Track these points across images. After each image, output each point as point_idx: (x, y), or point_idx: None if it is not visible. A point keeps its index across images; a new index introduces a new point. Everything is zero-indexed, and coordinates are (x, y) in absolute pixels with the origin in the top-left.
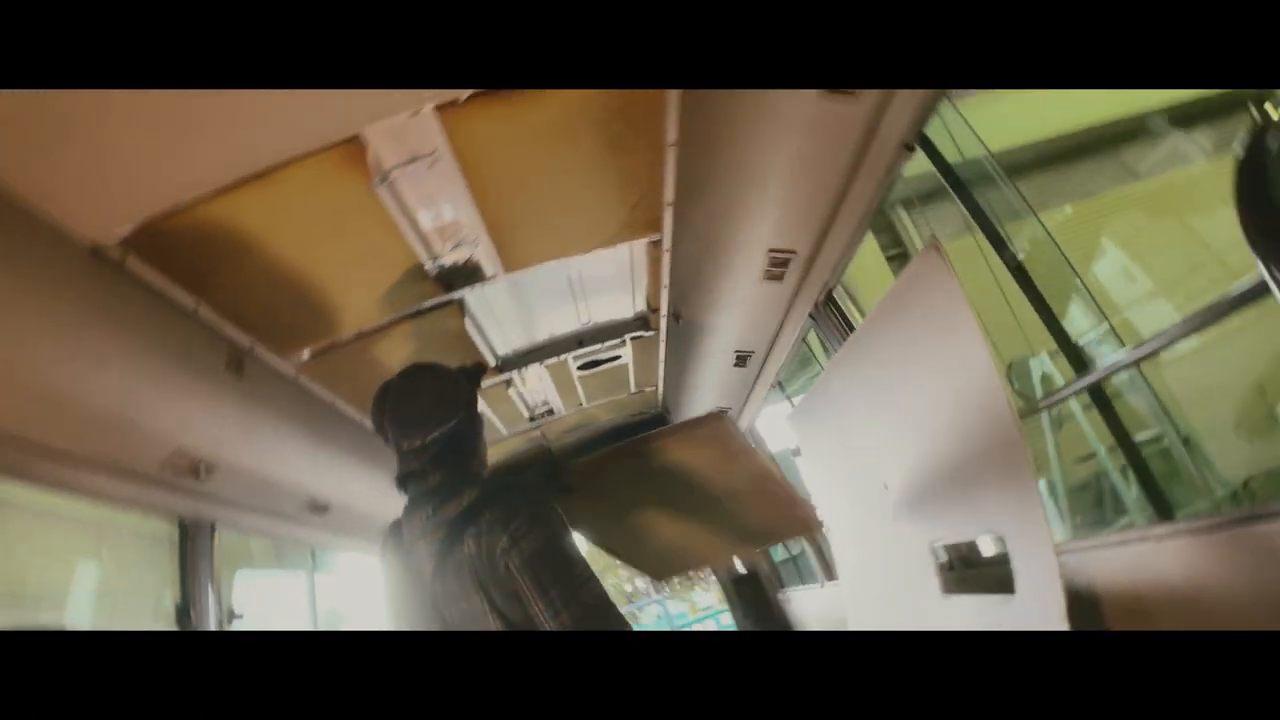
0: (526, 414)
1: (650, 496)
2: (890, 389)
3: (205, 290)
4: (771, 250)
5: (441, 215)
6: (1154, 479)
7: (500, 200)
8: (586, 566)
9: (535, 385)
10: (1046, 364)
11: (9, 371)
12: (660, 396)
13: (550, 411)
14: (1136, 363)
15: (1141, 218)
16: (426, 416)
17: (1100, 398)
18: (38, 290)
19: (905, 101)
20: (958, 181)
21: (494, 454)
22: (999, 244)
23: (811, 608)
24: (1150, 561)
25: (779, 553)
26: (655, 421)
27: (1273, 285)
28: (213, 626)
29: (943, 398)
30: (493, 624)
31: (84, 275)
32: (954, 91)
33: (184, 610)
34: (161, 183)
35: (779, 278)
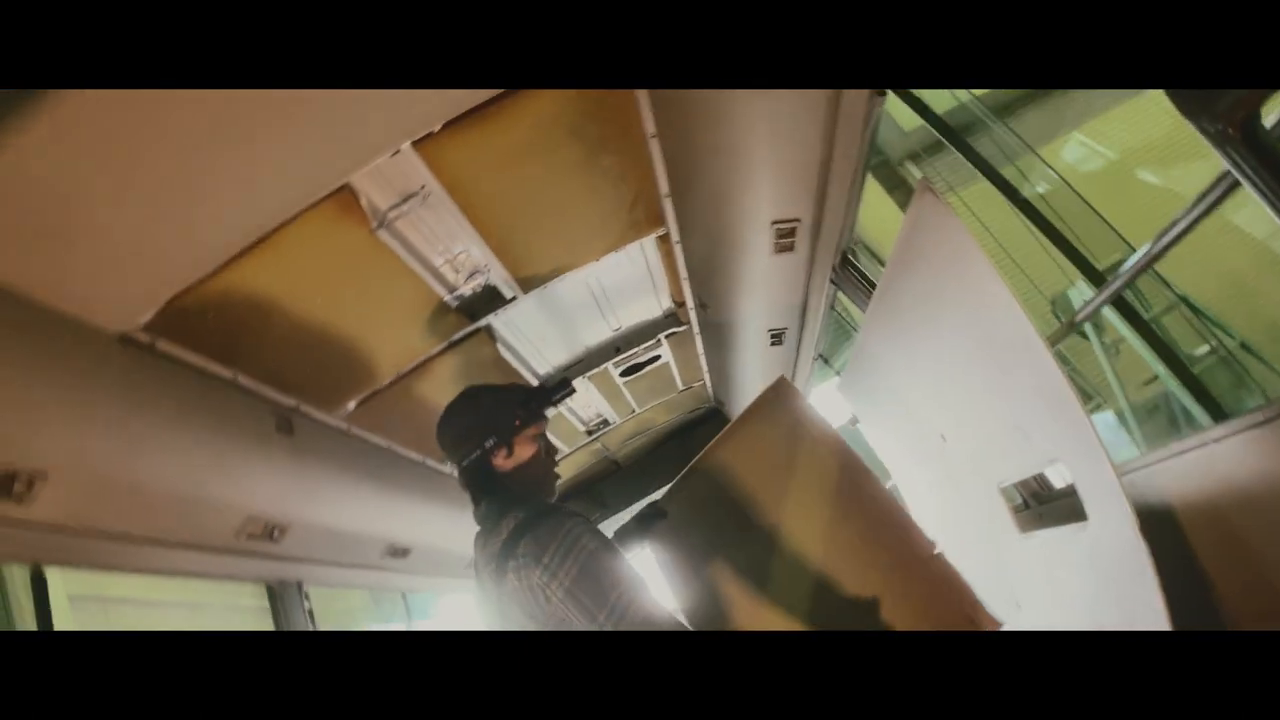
0: (582, 428)
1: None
2: (922, 339)
3: (239, 359)
4: (775, 222)
5: (448, 248)
6: (1202, 385)
7: (499, 223)
8: (629, 584)
9: (583, 398)
10: (1086, 292)
11: (70, 468)
12: (710, 389)
13: (605, 422)
14: (1150, 262)
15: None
16: (459, 440)
17: (1127, 310)
18: (74, 385)
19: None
20: (941, 123)
21: (561, 471)
22: (1000, 183)
23: None
24: (1214, 464)
25: None
26: (712, 415)
27: None
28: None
29: (971, 337)
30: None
31: (118, 365)
32: None
33: None
34: (172, 264)
35: (790, 248)
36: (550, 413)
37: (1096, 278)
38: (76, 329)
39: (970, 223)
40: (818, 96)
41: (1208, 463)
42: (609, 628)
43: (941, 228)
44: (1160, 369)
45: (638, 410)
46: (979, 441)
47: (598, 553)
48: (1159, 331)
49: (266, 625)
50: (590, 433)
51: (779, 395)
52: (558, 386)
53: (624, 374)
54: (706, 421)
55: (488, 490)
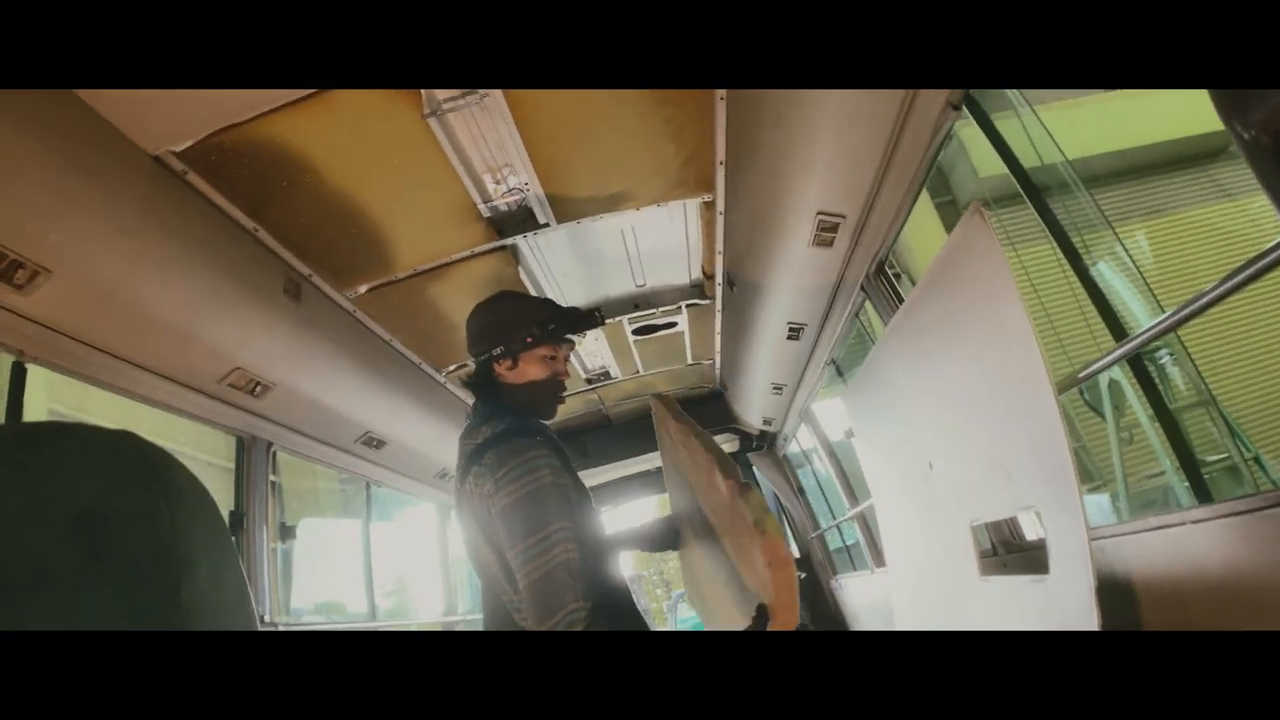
0: (584, 375)
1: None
2: (935, 362)
3: (264, 214)
4: (820, 213)
5: (493, 157)
6: (1196, 464)
7: (550, 145)
8: (563, 529)
9: (591, 346)
10: (1114, 371)
11: (76, 271)
12: (718, 370)
13: (607, 375)
14: (1175, 326)
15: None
16: (474, 338)
17: (1142, 372)
18: (99, 194)
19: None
20: (1015, 161)
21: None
22: (1061, 239)
23: (861, 596)
24: (1188, 545)
25: (834, 540)
26: (714, 397)
27: None
28: (265, 538)
29: (984, 369)
30: (486, 555)
31: (146, 186)
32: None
33: (237, 516)
34: (221, 98)
35: (829, 244)
36: (573, 338)
37: (1119, 334)
38: (114, 140)
39: (1020, 282)
40: (892, 96)
41: (1182, 542)
42: (521, 559)
43: (983, 253)
44: (1169, 465)
45: (642, 372)
46: (963, 474)
47: (545, 489)
48: (1172, 409)
49: (226, 484)
50: (590, 382)
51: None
52: (585, 316)
53: (637, 332)
54: (707, 401)
55: (485, 394)
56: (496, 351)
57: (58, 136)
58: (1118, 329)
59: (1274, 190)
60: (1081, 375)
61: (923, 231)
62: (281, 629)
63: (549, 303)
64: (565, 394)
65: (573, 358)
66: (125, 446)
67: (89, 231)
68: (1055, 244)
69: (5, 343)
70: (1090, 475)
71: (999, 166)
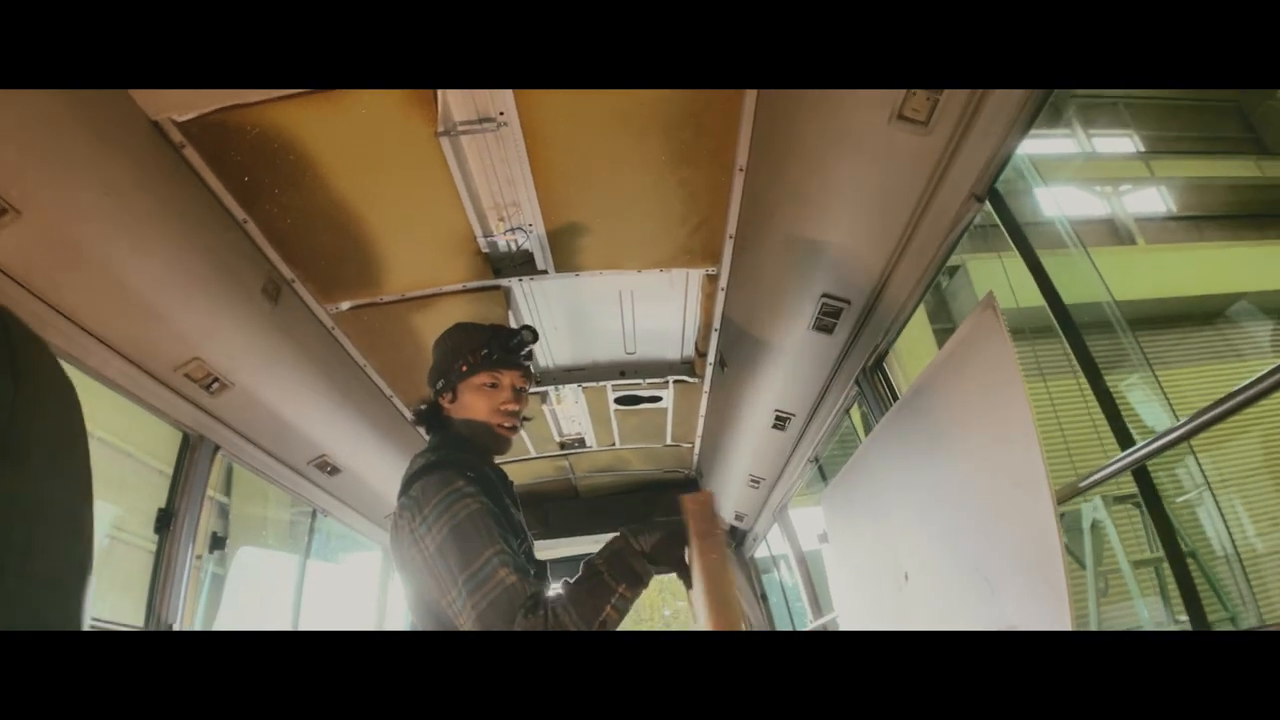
0: (558, 439)
1: None
2: (926, 461)
3: (257, 206)
4: (825, 296)
5: (500, 191)
6: (1194, 586)
7: (559, 187)
8: (498, 554)
9: (570, 409)
10: (1098, 510)
11: (48, 220)
12: (696, 456)
13: (582, 442)
14: (1188, 437)
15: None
16: (429, 374)
17: (1147, 488)
18: (89, 148)
19: (978, 146)
20: (1025, 244)
21: (518, 473)
22: (1073, 339)
23: None
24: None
25: None
26: (688, 484)
27: None
28: (193, 543)
29: (978, 469)
30: (411, 589)
31: (140, 151)
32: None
33: (166, 515)
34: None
35: (829, 330)
36: (520, 364)
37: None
38: (116, 96)
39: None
40: (915, 180)
41: None
42: (460, 604)
43: (991, 345)
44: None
45: (618, 445)
46: (941, 586)
47: (473, 517)
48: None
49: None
50: (564, 447)
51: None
52: (516, 333)
53: (619, 401)
54: (680, 487)
55: (431, 429)
56: (439, 385)
57: None
58: (1125, 437)
59: None
60: (1083, 485)
61: (917, 356)
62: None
63: (489, 328)
64: (512, 426)
65: (549, 419)
66: None
67: (70, 180)
68: (1073, 358)
69: None
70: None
71: (1005, 300)
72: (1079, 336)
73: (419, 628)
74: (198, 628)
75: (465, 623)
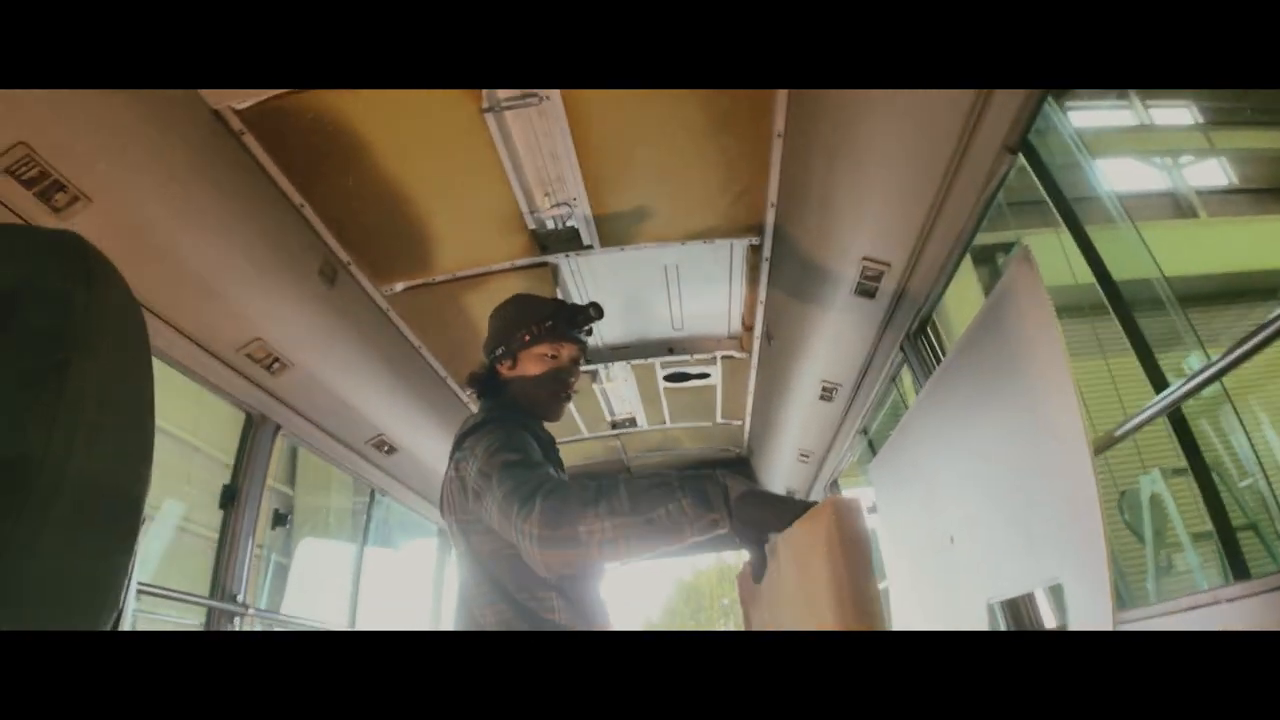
0: (609, 418)
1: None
2: (968, 421)
3: (313, 191)
4: (865, 259)
5: (545, 166)
6: (1234, 536)
7: (602, 160)
8: (544, 467)
9: (621, 388)
10: (1157, 482)
11: (117, 206)
12: (746, 433)
13: (633, 422)
14: (1219, 375)
15: None
16: (487, 341)
17: (1181, 428)
18: (156, 137)
19: (1007, 97)
20: (1059, 195)
21: (570, 454)
22: (1100, 272)
23: None
24: (1222, 626)
25: None
26: (738, 462)
27: None
28: (259, 518)
29: (1018, 426)
30: (462, 545)
31: (202, 139)
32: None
33: (231, 490)
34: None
35: (871, 293)
36: (579, 338)
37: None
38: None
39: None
40: (948, 135)
41: (1214, 623)
42: (490, 473)
43: (1028, 304)
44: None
45: (669, 424)
46: (984, 547)
47: (527, 444)
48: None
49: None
50: (615, 426)
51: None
52: (583, 310)
53: (669, 379)
54: (732, 465)
55: (486, 394)
56: (499, 352)
57: None
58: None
59: None
60: (1119, 433)
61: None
62: (251, 614)
63: (554, 301)
64: (567, 396)
65: (600, 398)
66: (62, 239)
67: (137, 168)
68: (1109, 304)
69: None
70: (1123, 602)
71: (1056, 278)
72: (1112, 284)
73: (468, 586)
74: (262, 604)
75: (493, 511)
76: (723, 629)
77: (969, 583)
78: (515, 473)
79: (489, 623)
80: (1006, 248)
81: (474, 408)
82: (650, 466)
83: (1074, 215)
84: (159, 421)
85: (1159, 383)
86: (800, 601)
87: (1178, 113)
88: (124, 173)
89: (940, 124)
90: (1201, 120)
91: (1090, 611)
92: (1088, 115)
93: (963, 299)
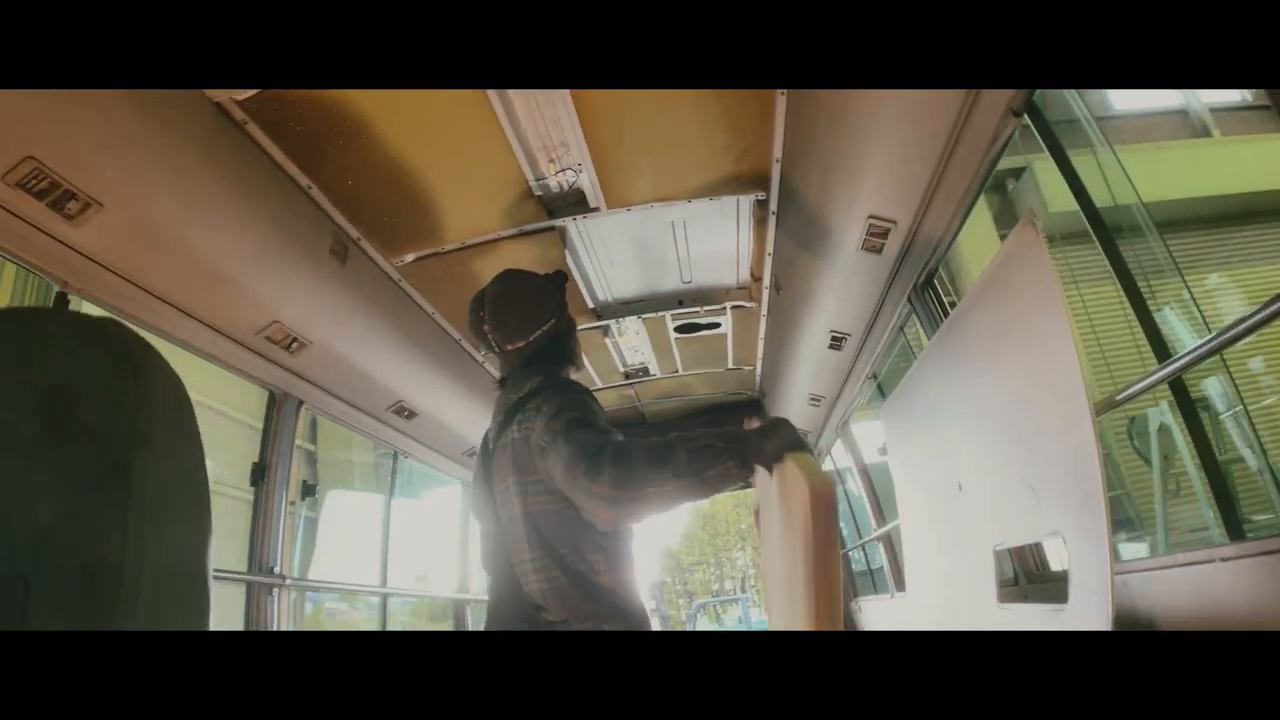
0: (621, 369)
1: None
2: (976, 377)
3: (319, 172)
4: (872, 217)
5: (549, 134)
6: (1231, 498)
7: (605, 125)
8: (587, 405)
9: (632, 340)
10: (1165, 415)
11: (128, 209)
12: (758, 377)
13: (646, 371)
14: (1219, 349)
15: None
16: (527, 318)
17: (1184, 397)
18: (158, 135)
19: None
20: (1067, 163)
21: None
22: (1116, 262)
23: (879, 620)
24: (1215, 584)
25: (859, 562)
26: (752, 405)
27: None
28: (286, 492)
29: (1023, 384)
30: (517, 508)
31: (206, 132)
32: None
33: (260, 468)
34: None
35: (878, 250)
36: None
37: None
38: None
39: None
40: (952, 99)
41: (1209, 580)
42: (541, 432)
43: (1032, 267)
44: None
45: (681, 371)
46: (991, 496)
47: (577, 398)
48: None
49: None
50: (628, 376)
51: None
52: (560, 275)
53: (679, 330)
54: (745, 408)
55: (545, 361)
56: (551, 323)
57: None
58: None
59: None
60: (1119, 398)
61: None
62: (289, 584)
63: (560, 274)
64: None
65: (612, 351)
66: (105, 330)
67: (144, 169)
68: (1116, 281)
69: (51, 272)
70: (1133, 525)
71: (1070, 203)
72: (1115, 248)
73: (516, 552)
74: (295, 571)
75: (557, 467)
76: (739, 555)
77: (976, 529)
78: (582, 433)
79: (534, 589)
80: (1017, 173)
81: (490, 368)
82: (665, 413)
83: (1080, 184)
84: (203, 398)
85: (1160, 350)
86: (783, 542)
87: None
88: (132, 174)
89: (944, 91)
90: None
91: (1089, 564)
92: None
93: (969, 234)
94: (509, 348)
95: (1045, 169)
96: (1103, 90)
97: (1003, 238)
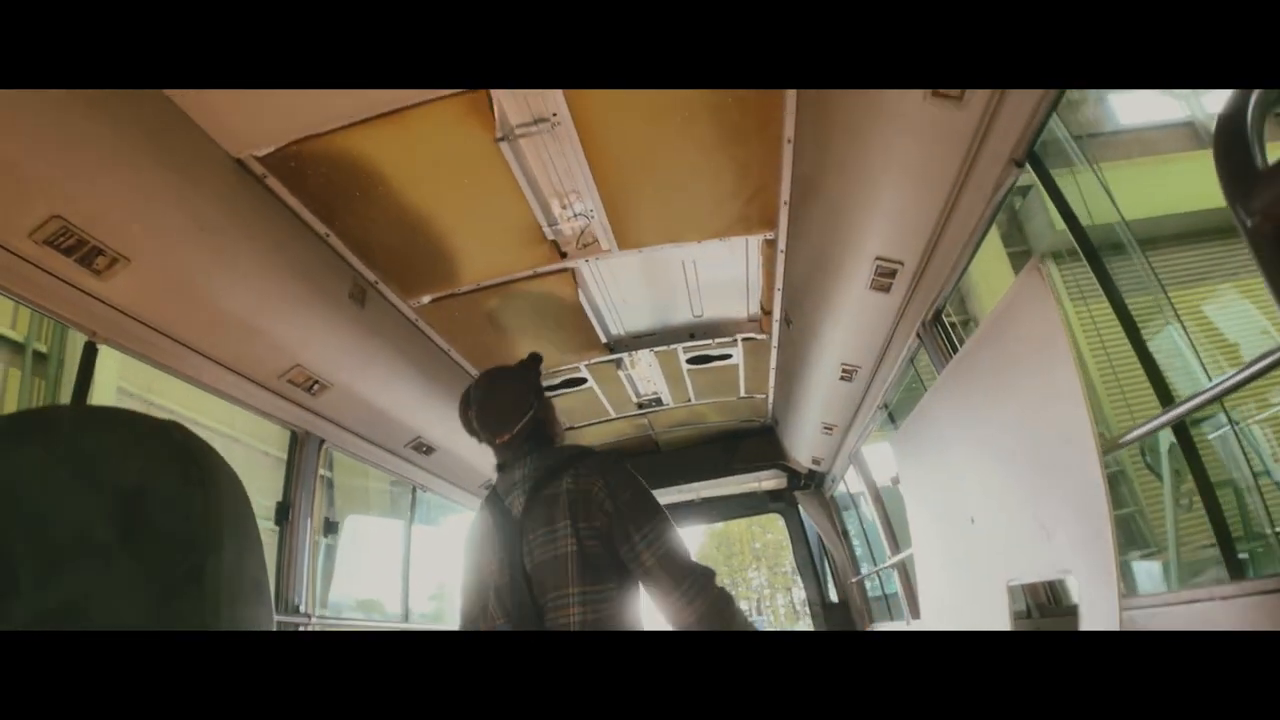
0: (635, 399)
1: None
2: (984, 414)
3: (337, 221)
4: (879, 258)
5: (560, 182)
6: (1229, 536)
7: (616, 175)
8: (666, 520)
9: (645, 371)
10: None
11: (154, 263)
12: (770, 406)
13: (658, 401)
14: (1220, 397)
15: None
16: (509, 413)
17: (1185, 439)
18: (182, 190)
19: (1013, 113)
20: (1075, 220)
21: (600, 434)
22: (1113, 296)
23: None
24: (1214, 621)
25: (874, 588)
26: (764, 432)
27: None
28: (309, 531)
29: (1032, 425)
30: (569, 547)
31: (227, 187)
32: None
33: (284, 507)
34: (303, 111)
35: (886, 289)
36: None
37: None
38: (200, 141)
39: (1090, 336)
40: (955, 150)
41: (1209, 618)
42: (649, 540)
43: (1038, 309)
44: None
45: (693, 401)
46: (1003, 531)
47: (648, 491)
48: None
49: (280, 475)
50: (641, 406)
51: None
52: (534, 358)
53: (691, 361)
54: (757, 435)
55: (534, 443)
56: (539, 404)
57: (147, 135)
58: (1165, 396)
59: (1274, 281)
60: (1124, 440)
61: (993, 279)
62: (314, 622)
63: (535, 357)
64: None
65: (625, 382)
66: (171, 435)
67: (169, 224)
68: (1111, 307)
69: (80, 323)
70: (1146, 540)
71: (1080, 216)
72: (1122, 304)
73: (516, 581)
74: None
75: (653, 553)
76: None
77: (989, 563)
78: (682, 549)
79: (574, 619)
80: (1024, 191)
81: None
82: (678, 440)
83: (1083, 232)
84: (230, 431)
85: (1164, 395)
86: None
87: None
88: (157, 230)
89: (947, 142)
90: None
91: (1098, 603)
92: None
93: (984, 257)
94: (498, 441)
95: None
96: (1112, 106)
97: (1011, 256)
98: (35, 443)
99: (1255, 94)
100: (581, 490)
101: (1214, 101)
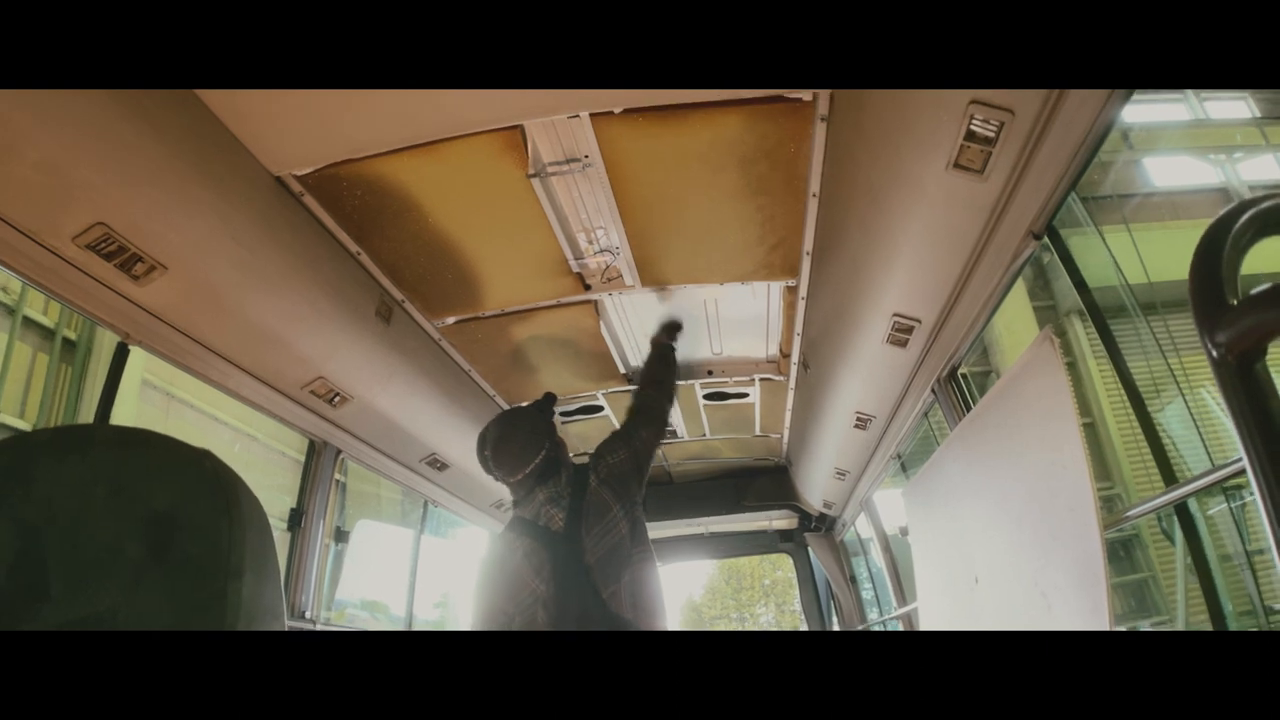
0: None
1: None
2: (992, 477)
3: (368, 240)
4: (896, 314)
5: (589, 218)
6: (1222, 612)
7: (644, 216)
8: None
9: None
10: (1189, 501)
11: (191, 272)
12: (785, 446)
13: (673, 433)
14: (1221, 481)
15: None
16: (523, 453)
17: (1187, 524)
18: (222, 204)
19: (1033, 188)
20: (1083, 283)
21: None
22: (1120, 367)
23: None
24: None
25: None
26: (777, 471)
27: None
28: (321, 537)
29: (1036, 492)
30: (622, 520)
31: (266, 203)
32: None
33: (297, 514)
34: (345, 134)
35: (903, 344)
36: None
37: (1170, 478)
38: (242, 157)
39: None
40: (975, 220)
41: None
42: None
43: (1048, 380)
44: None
45: (708, 436)
46: (1006, 595)
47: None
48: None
49: (296, 475)
50: None
51: None
52: (549, 398)
53: (708, 397)
54: (769, 474)
55: (548, 479)
56: (552, 441)
57: (191, 149)
58: (1169, 474)
59: (1235, 410)
60: (1127, 514)
61: (1018, 330)
62: (320, 627)
63: (549, 397)
64: None
65: None
66: (204, 464)
67: (206, 236)
68: (1116, 376)
69: (114, 324)
70: (1157, 608)
71: (1106, 278)
72: (1129, 374)
73: (605, 580)
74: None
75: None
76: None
77: (992, 625)
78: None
79: (622, 606)
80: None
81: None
82: (692, 473)
83: (1097, 307)
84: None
85: (1169, 476)
86: None
87: (1233, 105)
88: (195, 241)
89: (967, 213)
90: (1257, 114)
91: None
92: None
93: (1009, 309)
94: (513, 480)
95: (1076, 242)
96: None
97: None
98: (77, 458)
99: (1235, 227)
100: (604, 472)
101: (1248, 170)
